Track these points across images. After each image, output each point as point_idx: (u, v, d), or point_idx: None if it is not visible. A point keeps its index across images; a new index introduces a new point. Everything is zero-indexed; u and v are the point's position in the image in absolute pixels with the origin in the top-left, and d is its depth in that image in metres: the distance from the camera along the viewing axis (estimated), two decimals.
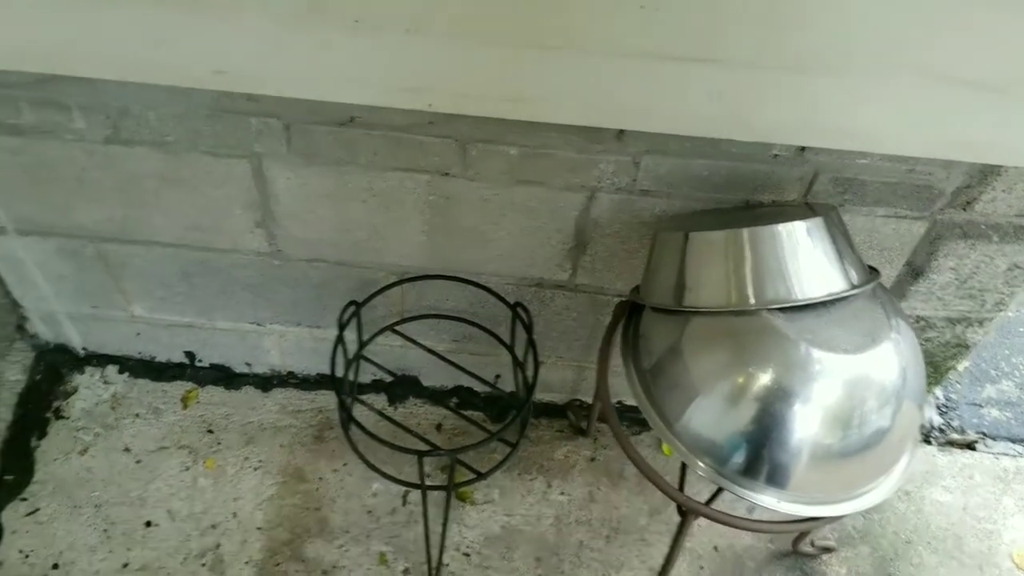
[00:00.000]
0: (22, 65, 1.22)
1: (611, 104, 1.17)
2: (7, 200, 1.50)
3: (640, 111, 1.18)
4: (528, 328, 1.51)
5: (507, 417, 1.86)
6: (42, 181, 1.45)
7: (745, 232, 1.18)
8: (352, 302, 1.51)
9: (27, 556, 1.67)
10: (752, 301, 1.17)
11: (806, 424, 1.13)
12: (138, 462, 1.80)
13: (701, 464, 1.20)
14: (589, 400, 1.87)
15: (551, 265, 1.55)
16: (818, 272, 1.19)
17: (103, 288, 1.69)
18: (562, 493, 1.82)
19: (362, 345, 1.61)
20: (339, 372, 1.50)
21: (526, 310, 1.52)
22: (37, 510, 1.72)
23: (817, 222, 1.19)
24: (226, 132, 1.34)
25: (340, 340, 1.50)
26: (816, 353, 1.13)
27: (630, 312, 1.39)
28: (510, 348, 1.64)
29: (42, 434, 1.82)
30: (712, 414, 1.19)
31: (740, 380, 1.16)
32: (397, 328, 1.65)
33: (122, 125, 1.34)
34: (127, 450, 1.81)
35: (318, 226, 1.50)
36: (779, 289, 1.17)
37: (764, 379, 1.14)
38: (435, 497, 1.69)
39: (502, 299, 1.54)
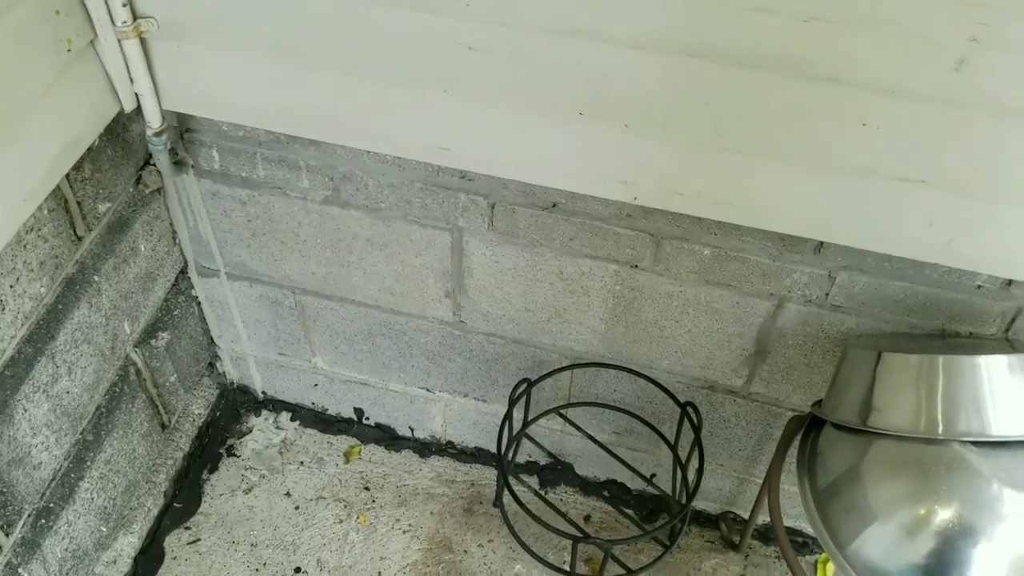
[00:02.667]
0: (266, 123, 1.35)
1: (817, 215, 1.18)
2: (225, 246, 1.63)
3: (845, 225, 1.18)
4: (697, 429, 1.50)
5: (658, 517, 1.84)
6: (261, 232, 1.58)
7: (941, 359, 1.15)
8: (525, 379, 1.54)
9: None
10: (941, 430, 1.13)
11: (988, 568, 1.07)
12: (296, 508, 1.87)
13: None
14: (744, 513, 1.81)
15: (727, 369, 1.54)
16: (1016, 410, 1.13)
17: (293, 337, 1.80)
18: None
19: (526, 423, 1.64)
20: (503, 446, 1.53)
21: (696, 410, 1.51)
22: (198, 540, 1.81)
23: (1020, 359, 1.14)
24: (435, 205, 1.42)
25: (509, 415, 1.53)
26: (1008, 493, 1.07)
27: (807, 428, 1.36)
28: (673, 447, 1.62)
29: (213, 468, 1.92)
30: (888, 542, 1.13)
31: (922, 511, 1.11)
32: (562, 411, 1.67)
33: (343, 188, 1.45)
34: (288, 495, 1.89)
35: (503, 302, 1.55)
36: (972, 422, 1.12)
37: (948, 513, 1.09)
38: None
39: (672, 396, 1.54)
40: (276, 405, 2.01)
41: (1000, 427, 1.12)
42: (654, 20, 1.03)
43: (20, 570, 1.40)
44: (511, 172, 1.27)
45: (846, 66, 1.01)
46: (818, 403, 1.35)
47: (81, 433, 1.50)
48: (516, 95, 1.16)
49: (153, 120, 1.33)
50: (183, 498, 1.87)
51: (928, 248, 1.18)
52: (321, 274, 1.63)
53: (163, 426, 1.79)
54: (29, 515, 1.41)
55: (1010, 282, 1.25)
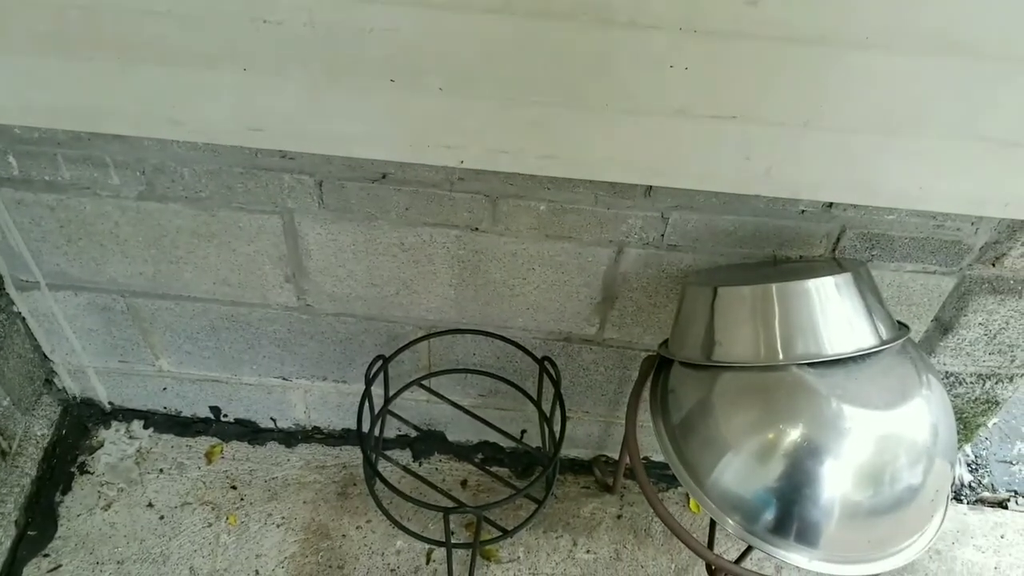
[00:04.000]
0: (62, 123, 1.25)
1: (641, 161, 1.19)
2: (41, 255, 1.52)
3: (670, 168, 1.20)
4: (556, 382, 1.51)
5: (533, 473, 1.85)
6: (76, 237, 1.47)
7: (774, 287, 1.18)
8: (380, 356, 1.51)
9: None
10: (781, 356, 1.17)
11: (837, 481, 1.12)
12: (161, 518, 1.79)
13: (731, 521, 1.18)
14: (615, 456, 1.85)
15: (579, 320, 1.55)
16: (848, 328, 1.18)
17: (132, 342, 1.71)
18: (588, 551, 1.79)
19: (388, 400, 1.61)
20: (365, 427, 1.50)
21: (554, 364, 1.52)
22: (59, 567, 1.71)
23: (846, 277, 1.19)
24: (259, 188, 1.36)
25: (367, 394, 1.50)
26: (847, 409, 1.12)
27: (658, 367, 1.39)
28: (537, 403, 1.63)
29: (66, 489, 1.81)
30: (742, 470, 1.17)
31: (770, 436, 1.15)
32: (424, 383, 1.65)
33: (156, 181, 1.37)
34: (151, 505, 1.80)
35: (348, 281, 1.51)
36: (809, 344, 1.17)
37: (794, 435, 1.13)
38: (459, 555, 1.67)
39: (529, 353, 1.54)
40: (126, 414, 1.91)
41: (833, 346, 1.16)
42: None
43: None
44: (330, 147, 1.23)
45: (644, 9, 1.01)
46: (665, 343, 1.38)
47: None
48: (321, 67, 1.11)
49: None
50: (37, 524, 1.75)
51: (748, 181, 1.21)
52: (149, 273, 1.54)
53: (3, 453, 1.67)
54: None
55: (830, 204, 1.30)
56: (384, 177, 1.33)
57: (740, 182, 1.21)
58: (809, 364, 1.15)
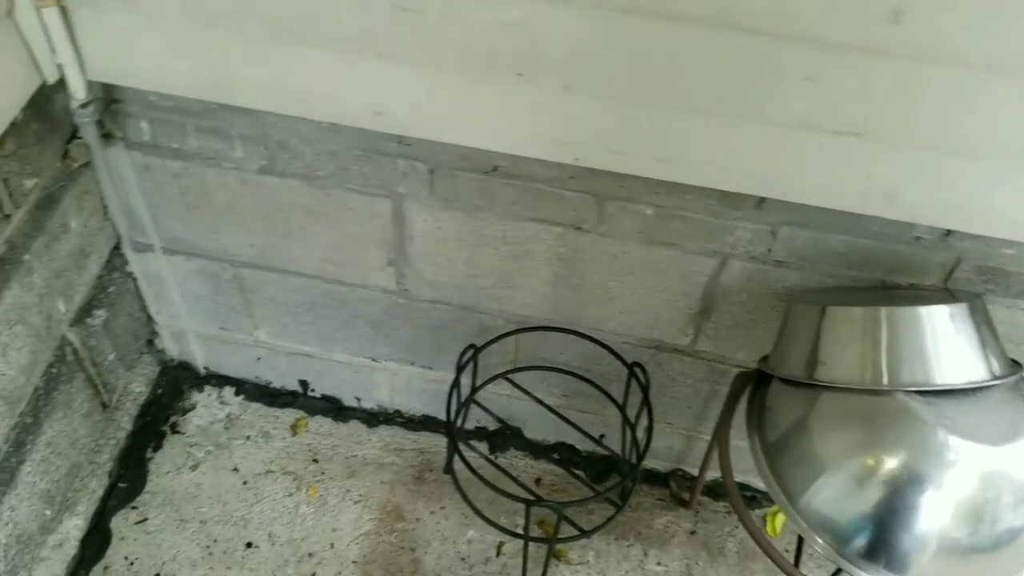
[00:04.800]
0: (198, 92, 1.30)
1: (758, 171, 1.18)
2: (160, 220, 1.58)
3: (786, 181, 1.19)
4: (645, 389, 1.51)
5: (608, 478, 1.85)
6: (195, 205, 1.53)
7: (885, 311, 1.16)
8: (471, 346, 1.53)
9: (132, 564, 1.72)
10: (887, 381, 1.15)
11: (935, 514, 1.09)
12: (244, 483, 1.84)
13: (821, 541, 1.16)
14: (694, 471, 1.83)
15: (673, 328, 1.54)
16: (959, 359, 1.15)
17: (234, 311, 1.77)
18: (658, 563, 1.78)
19: (475, 389, 1.63)
20: (451, 413, 1.52)
21: (644, 370, 1.52)
22: (146, 520, 1.78)
23: (961, 308, 1.17)
24: (373, 172, 1.40)
25: (456, 382, 1.52)
26: (954, 440, 1.09)
27: (755, 383, 1.38)
28: (622, 408, 1.63)
29: (158, 446, 1.88)
30: (837, 493, 1.16)
31: (870, 461, 1.13)
32: (509, 376, 1.67)
33: (278, 157, 1.41)
34: (235, 470, 1.86)
35: (447, 269, 1.53)
36: (916, 372, 1.14)
37: (895, 462, 1.11)
38: (531, 550, 1.68)
39: (620, 357, 1.54)
40: (219, 380, 1.97)
41: (944, 376, 1.14)
42: None
43: None
44: (449, 136, 1.25)
45: (781, 19, 1.00)
46: (765, 359, 1.37)
47: (20, 416, 1.45)
48: (451, 57, 1.13)
49: (78, 91, 1.27)
50: (128, 477, 1.83)
51: (866, 201, 1.19)
52: (260, 246, 1.59)
53: (104, 405, 1.75)
54: None
55: (948, 232, 1.27)
56: (495, 169, 1.35)
57: (858, 201, 1.19)
58: (916, 392, 1.13)
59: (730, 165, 1.18)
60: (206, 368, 1.96)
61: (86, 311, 1.60)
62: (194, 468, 1.86)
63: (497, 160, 1.33)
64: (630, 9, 1.03)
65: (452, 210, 1.42)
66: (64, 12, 1.18)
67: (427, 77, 1.17)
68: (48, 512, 1.59)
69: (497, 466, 1.61)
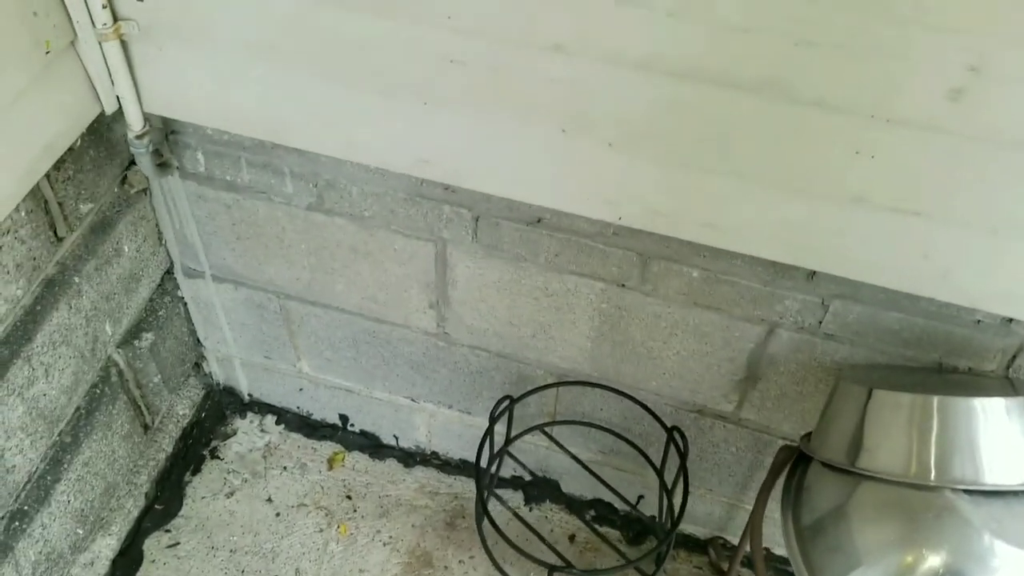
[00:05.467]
0: (246, 130, 1.32)
1: (808, 244, 1.13)
2: (211, 248, 1.60)
3: (838, 255, 1.14)
4: (683, 455, 1.45)
5: (645, 540, 1.79)
6: (245, 236, 1.55)
7: (936, 400, 1.10)
8: (507, 396, 1.50)
9: None
10: (933, 476, 1.08)
11: None
12: (277, 515, 1.84)
13: None
14: (734, 540, 1.76)
15: (716, 394, 1.49)
16: (1013, 457, 1.08)
17: (279, 341, 1.77)
18: None
19: (509, 440, 1.60)
20: (483, 463, 1.49)
21: (683, 436, 1.47)
22: (178, 544, 1.79)
23: (1019, 402, 1.09)
24: (418, 215, 1.39)
25: (490, 432, 1.50)
26: (1000, 546, 1.02)
27: (796, 460, 1.31)
28: (659, 472, 1.58)
29: (196, 470, 1.90)
30: None
31: (909, 559, 1.06)
32: (546, 429, 1.63)
33: (326, 195, 1.42)
34: (269, 500, 1.86)
35: (488, 316, 1.51)
36: (966, 468, 1.07)
37: (936, 563, 1.04)
38: None
39: (659, 420, 1.50)
40: (262, 408, 1.99)
41: (995, 475, 1.07)
42: (636, 38, 0.99)
43: None
44: (493, 187, 1.24)
45: (835, 91, 0.96)
46: (808, 436, 1.31)
47: (59, 435, 1.47)
48: (497, 109, 1.12)
49: (134, 123, 1.30)
50: (164, 500, 1.84)
51: (923, 281, 1.13)
52: (305, 280, 1.60)
53: (145, 427, 1.77)
54: (2, 518, 1.38)
55: (1010, 320, 1.20)
56: (539, 221, 1.32)
57: (914, 281, 1.13)
58: (964, 490, 1.06)
59: (777, 235, 1.14)
60: (250, 395, 1.98)
61: (134, 333, 1.63)
62: (230, 495, 1.87)
63: (541, 212, 1.31)
64: (680, 73, 1.00)
65: (495, 258, 1.41)
66: (125, 47, 1.20)
67: (472, 128, 1.16)
68: (80, 531, 1.60)
69: (526, 523, 1.57)
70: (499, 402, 1.49)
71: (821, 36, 0.92)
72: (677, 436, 1.47)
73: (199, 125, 1.37)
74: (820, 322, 1.30)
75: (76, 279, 1.41)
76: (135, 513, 1.78)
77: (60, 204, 1.35)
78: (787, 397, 1.45)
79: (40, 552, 1.49)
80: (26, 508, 1.43)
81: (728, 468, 1.64)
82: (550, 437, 1.63)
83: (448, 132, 1.17)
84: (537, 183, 1.20)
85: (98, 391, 1.55)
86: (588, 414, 1.63)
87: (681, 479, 1.45)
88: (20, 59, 1.12)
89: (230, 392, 1.98)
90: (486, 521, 1.39)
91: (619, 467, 1.72)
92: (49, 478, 1.47)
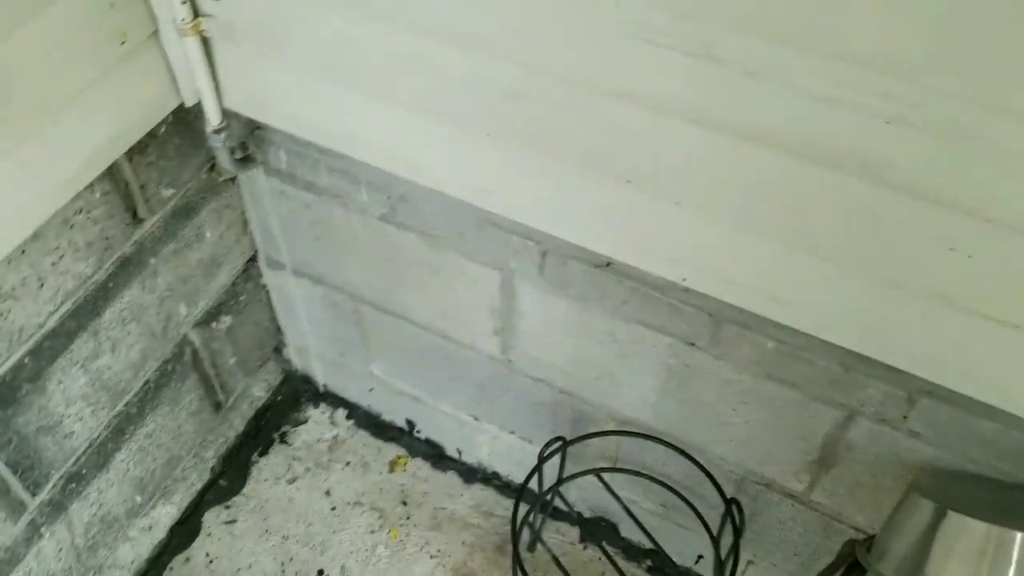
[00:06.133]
0: (317, 137, 1.30)
1: (883, 336, 1.01)
2: (291, 243, 1.61)
3: (922, 355, 1.00)
4: (738, 531, 1.34)
5: None
6: (322, 237, 1.54)
7: (1018, 538, 0.95)
8: (559, 438, 1.43)
9: (211, 562, 1.76)
10: None
11: None
12: (333, 509, 1.84)
13: None
14: None
15: (786, 471, 1.37)
16: None
17: (352, 342, 1.77)
18: None
19: (560, 481, 1.53)
20: (527, 502, 1.43)
21: (740, 510, 1.36)
22: (235, 521, 1.82)
23: None
24: (486, 241, 1.33)
25: (537, 470, 1.43)
26: None
27: (855, 560, 1.18)
28: (715, 541, 1.47)
29: (264, 452, 1.93)
30: None
31: None
32: (603, 476, 1.55)
33: (399, 209, 1.38)
34: (328, 494, 1.87)
35: (552, 351, 1.45)
36: None
37: None
38: None
39: (719, 489, 1.39)
40: (335, 400, 1.99)
41: None
42: (711, 96, 0.89)
43: (43, 529, 1.44)
44: (552, 227, 1.16)
45: (931, 180, 0.83)
46: (870, 541, 1.17)
47: (124, 406, 1.51)
48: (560, 150, 1.04)
49: (212, 117, 1.30)
50: (229, 476, 1.88)
51: (1020, 401, 0.98)
52: (378, 287, 1.57)
53: (218, 405, 1.80)
54: (60, 478, 1.43)
55: None
56: (608, 265, 1.24)
57: (1009, 399, 0.99)
58: None
59: (853, 323, 1.01)
60: (325, 386, 1.99)
61: (212, 315, 1.66)
62: (291, 482, 1.89)
63: (611, 257, 1.23)
64: (756, 137, 0.90)
65: (561, 296, 1.33)
66: (205, 43, 1.20)
67: (533, 164, 1.09)
68: (138, 498, 1.65)
69: (564, 570, 1.50)
70: (551, 441, 1.42)
71: (917, 117, 0.80)
72: (735, 509, 1.36)
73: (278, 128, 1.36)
74: (905, 417, 1.16)
75: (152, 260, 1.44)
76: (199, 486, 1.83)
77: (142, 187, 1.37)
78: (863, 487, 1.31)
79: (95, 514, 1.54)
80: (83, 472, 1.48)
81: (793, 546, 1.51)
82: (604, 484, 1.54)
83: (508, 164, 1.11)
84: (598, 229, 1.12)
85: (169, 368, 1.59)
86: (650, 466, 1.54)
87: (734, 555, 1.34)
88: (93, 50, 1.13)
89: (307, 380, 2.00)
90: (537, 551, 1.33)
91: (680, 523, 1.63)
92: (110, 446, 1.52)
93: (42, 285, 1.25)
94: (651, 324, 1.28)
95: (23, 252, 1.19)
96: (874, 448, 1.23)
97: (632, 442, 1.53)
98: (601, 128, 0.99)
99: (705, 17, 0.83)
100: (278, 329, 1.89)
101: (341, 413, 1.98)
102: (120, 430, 1.53)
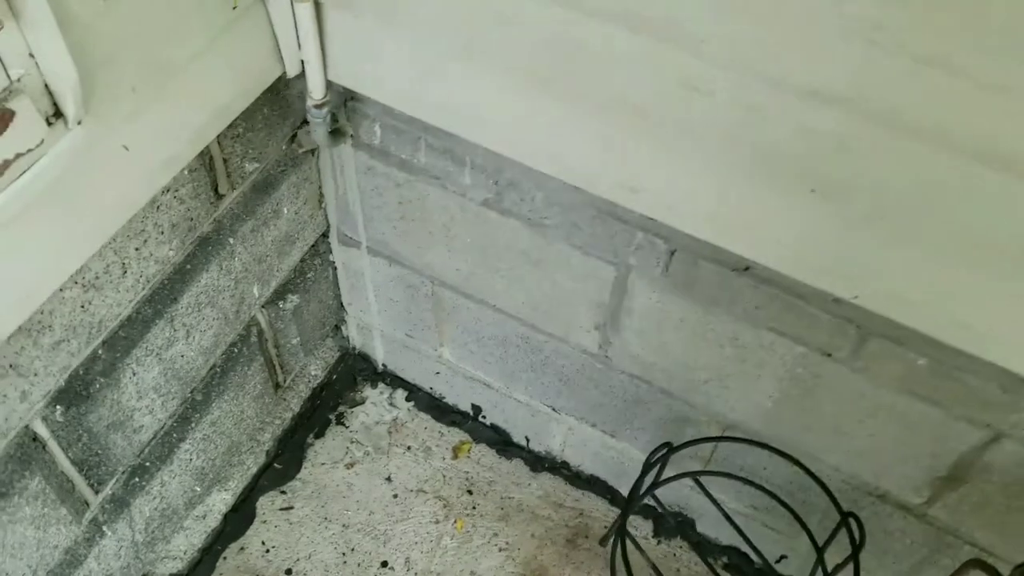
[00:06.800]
0: (442, 121, 1.18)
1: None
2: (371, 221, 1.50)
3: None
4: (856, 547, 1.28)
5: None
6: (410, 217, 1.43)
7: None
8: (665, 444, 1.36)
9: (267, 551, 1.68)
10: None
11: None
12: (395, 496, 1.76)
13: None
14: None
15: (905, 485, 1.30)
16: None
17: (424, 324, 1.67)
18: None
19: (656, 484, 1.45)
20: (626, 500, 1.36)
21: (860, 525, 1.29)
22: (291, 508, 1.74)
23: None
24: (604, 235, 1.23)
25: (643, 476, 1.35)
26: None
27: None
28: (819, 552, 1.40)
29: (320, 434, 1.84)
30: None
31: None
32: (699, 479, 1.48)
33: (505, 195, 1.28)
34: (389, 480, 1.79)
35: (659, 351, 1.36)
36: None
37: None
38: None
39: (836, 503, 1.32)
40: (394, 380, 1.90)
41: None
42: (927, 103, 0.79)
43: (105, 528, 1.35)
44: (707, 234, 1.06)
45: None
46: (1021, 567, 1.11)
47: (191, 393, 1.41)
48: (736, 152, 0.94)
49: (316, 91, 1.18)
50: (284, 460, 1.79)
51: None
52: (464, 272, 1.47)
53: (277, 386, 1.71)
54: (123, 473, 1.34)
55: None
56: (746, 270, 1.15)
57: None
58: None
59: None
60: (384, 365, 1.89)
61: (280, 294, 1.55)
62: (350, 466, 1.80)
63: (751, 262, 1.13)
64: (964, 150, 0.80)
65: (683, 296, 1.24)
66: (318, 9, 1.08)
67: (700, 166, 0.98)
68: (198, 488, 1.57)
69: (655, 567, 1.43)
70: (657, 449, 1.35)
71: None
72: (853, 523, 1.30)
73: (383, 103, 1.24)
74: None
75: (231, 240, 1.33)
76: (253, 470, 1.74)
77: (226, 160, 1.25)
78: (991, 506, 1.24)
79: (155, 508, 1.46)
80: (147, 465, 1.38)
81: (894, 556, 1.45)
82: (701, 487, 1.47)
83: (669, 165, 1.01)
84: (767, 241, 1.02)
85: (236, 351, 1.49)
86: (748, 469, 1.47)
87: (855, 569, 1.28)
88: (204, 14, 1.01)
89: (364, 359, 1.90)
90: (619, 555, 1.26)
91: (769, 524, 1.56)
92: (175, 436, 1.42)
93: (125, 272, 1.14)
94: (785, 332, 1.20)
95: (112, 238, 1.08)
96: (1016, 471, 1.16)
97: (731, 447, 1.45)
98: (793, 132, 0.89)
99: None
100: (340, 306, 1.78)
101: (400, 394, 1.89)
102: (186, 419, 1.43)
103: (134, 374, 1.24)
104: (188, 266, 1.27)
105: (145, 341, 1.24)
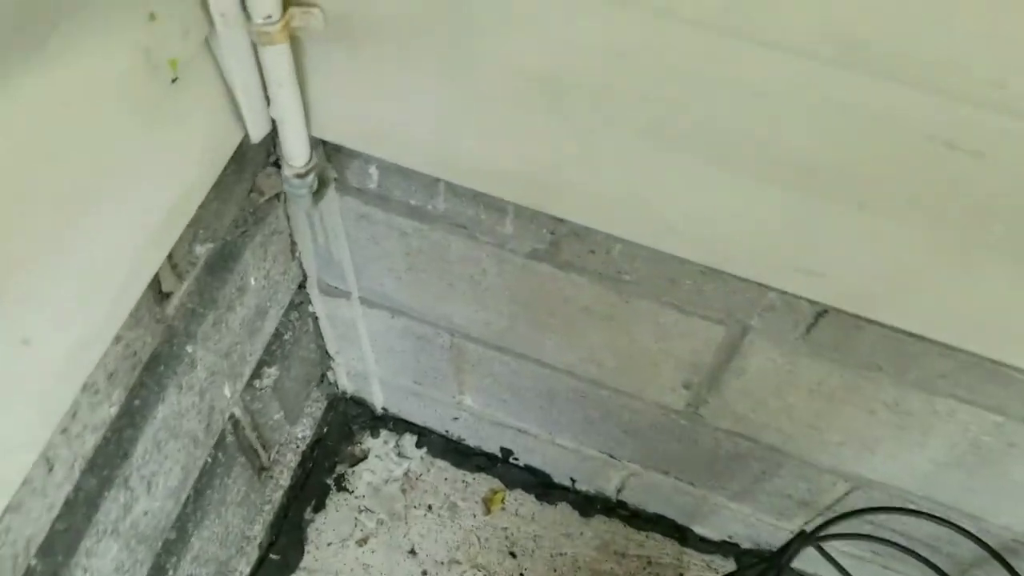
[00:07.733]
0: (481, 185, 0.81)
1: None
2: (364, 271, 1.13)
3: None
4: None
5: None
6: (421, 268, 1.06)
7: None
8: (802, 532, 1.05)
9: None
10: None
11: None
12: (424, 573, 1.45)
13: None
14: None
15: None
16: None
17: (439, 373, 1.32)
18: None
19: (785, 559, 1.16)
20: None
21: None
22: None
23: None
24: (716, 294, 0.89)
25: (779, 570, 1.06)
26: None
27: None
28: None
29: (319, 506, 1.50)
30: None
31: None
32: (822, 543, 1.19)
33: (565, 245, 0.92)
34: (413, 553, 1.47)
35: (776, 413, 1.04)
36: None
37: None
38: None
39: (1012, 570, 1.05)
40: (398, 425, 1.55)
41: None
42: None
43: None
44: (909, 323, 0.73)
45: None
46: None
47: (161, 544, 1.06)
48: (990, 232, 0.60)
49: (296, 156, 0.79)
50: (281, 547, 1.45)
51: None
52: (500, 327, 1.12)
53: (261, 469, 1.35)
54: None
55: None
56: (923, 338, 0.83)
57: None
58: None
59: None
60: (384, 408, 1.54)
61: (255, 374, 1.18)
62: (362, 542, 1.47)
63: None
64: None
65: (827, 360, 0.92)
66: (296, 47, 0.67)
67: (928, 245, 0.64)
68: None
69: None
70: (792, 540, 1.05)
71: None
72: None
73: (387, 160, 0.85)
74: None
75: (188, 348, 0.95)
76: (247, 572, 1.40)
77: (169, 256, 0.86)
78: None
79: None
80: None
81: None
82: (827, 556, 1.18)
83: (846, 236, 0.66)
84: (945, 313, 0.70)
85: (209, 464, 1.12)
86: (880, 523, 1.19)
87: None
88: (128, 112, 0.60)
89: (358, 403, 1.54)
90: None
91: (889, 567, 1.30)
92: None
93: (51, 469, 0.76)
94: (974, 401, 0.89)
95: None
96: None
97: (854, 495, 1.17)
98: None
99: None
100: (324, 356, 1.41)
101: (409, 440, 1.55)
102: (160, 568, 1.07)
103: (85, 571, 0.88)
104: (136, 406, 0.89)
105: (94, 525, 0.87)
